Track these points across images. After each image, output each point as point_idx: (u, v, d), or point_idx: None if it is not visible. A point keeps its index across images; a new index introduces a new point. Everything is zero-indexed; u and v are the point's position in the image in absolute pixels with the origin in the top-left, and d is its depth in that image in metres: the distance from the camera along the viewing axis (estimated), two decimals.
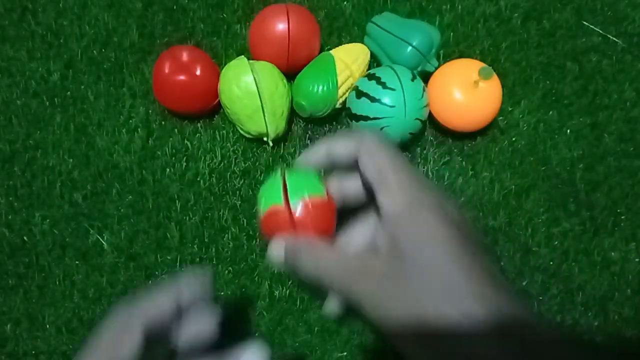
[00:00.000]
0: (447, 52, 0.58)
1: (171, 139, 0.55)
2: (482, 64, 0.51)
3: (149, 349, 0.32)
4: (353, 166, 0.36)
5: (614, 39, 0.58)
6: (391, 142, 0.37)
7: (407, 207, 0.29)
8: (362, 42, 0.57)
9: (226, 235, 0.54)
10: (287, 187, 0.32)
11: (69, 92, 0.57)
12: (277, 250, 0.33)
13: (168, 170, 0.55)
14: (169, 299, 0.33)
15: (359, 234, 0.36)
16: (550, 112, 0.56)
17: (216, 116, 0.56)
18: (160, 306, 0.33)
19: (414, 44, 0.51)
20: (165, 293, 0.34)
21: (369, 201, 0.40)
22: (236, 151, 0.55)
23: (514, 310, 0.25)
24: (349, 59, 0.53)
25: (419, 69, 0.53)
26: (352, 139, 0.35)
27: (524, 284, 0.52)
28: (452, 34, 0.58)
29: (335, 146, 0.35)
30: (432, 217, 0.28)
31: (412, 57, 0.52)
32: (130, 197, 0.54)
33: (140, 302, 0.33)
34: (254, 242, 0.54)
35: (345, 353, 0.50)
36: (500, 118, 0.55)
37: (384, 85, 0.49)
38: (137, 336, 0.31)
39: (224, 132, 0.56)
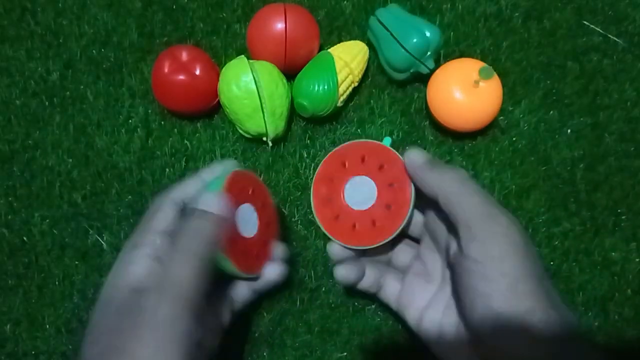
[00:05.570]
0: (448, 52, 0.57)
1: (170, 138, 0.55)
2: (482, 64, 0.51)
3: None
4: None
5: (615, 38, 0.58)
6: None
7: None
8: (364, 38, 0.57)
9: None
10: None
11: (68, 92, 0.57)
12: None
13: (167, 170, 0.55)
14: (194, 181, 0.43)
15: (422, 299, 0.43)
16: (551, 112, 0.56)
17: (216, 116, 0.56)
18: (186, 186, 0.43)
19: (408, 48, 0.51)
20: (192, 178, 0.43)
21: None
22: (236, 151, 0.55)
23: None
24: (348, 57, 0.53)
25: (412, 70, 0.53)
26: (434, 177, 0.39)
27: None
28: (452, 33, 0.58)
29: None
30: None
31: (404, 59, 0.52)
32: (130, 197, 0.54)
33: (172, 188, 0.43)
34: None
35: (345, 353, 0.50)
36: (501, 118, 0.55)
37: None
38: (169, 210, 0.41)
39: (224, 132, 0.56)
